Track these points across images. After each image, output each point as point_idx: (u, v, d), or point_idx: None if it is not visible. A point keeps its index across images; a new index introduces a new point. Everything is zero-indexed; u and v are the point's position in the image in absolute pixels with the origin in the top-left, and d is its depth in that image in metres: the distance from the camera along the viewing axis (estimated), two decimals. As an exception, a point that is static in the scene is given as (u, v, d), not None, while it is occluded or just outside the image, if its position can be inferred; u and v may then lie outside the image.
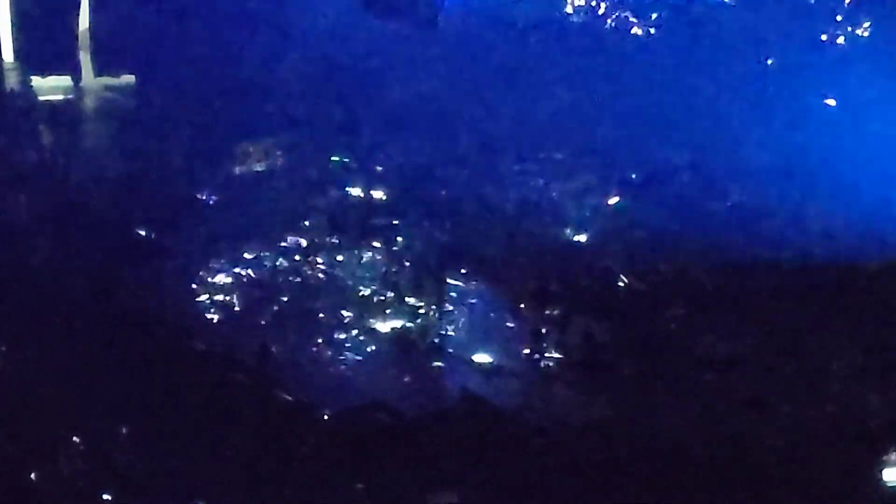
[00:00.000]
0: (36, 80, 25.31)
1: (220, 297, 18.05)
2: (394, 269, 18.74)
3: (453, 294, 18.25)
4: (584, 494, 12.98)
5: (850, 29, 24.25)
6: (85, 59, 26.37)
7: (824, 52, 24.40)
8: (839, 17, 24.34)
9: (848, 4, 24.12)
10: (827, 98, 23.17)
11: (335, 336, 16.91)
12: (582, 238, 19.56)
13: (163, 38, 25.38)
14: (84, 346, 15.52)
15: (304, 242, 19.72)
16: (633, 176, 21.35)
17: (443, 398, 14.99)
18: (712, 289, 17.34)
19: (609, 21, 26.94)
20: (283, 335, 16.80)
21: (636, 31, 26.94)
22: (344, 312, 17.64)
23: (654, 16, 26.28)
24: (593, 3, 27.08)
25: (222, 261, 19.17)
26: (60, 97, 25.38)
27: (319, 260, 19.34)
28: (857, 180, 20.39)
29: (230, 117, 23.78)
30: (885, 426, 13.94)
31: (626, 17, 26.79)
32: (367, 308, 17.82)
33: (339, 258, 19.49)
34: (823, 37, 24.32)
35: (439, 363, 16.29)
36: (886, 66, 22.69)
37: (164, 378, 14.70)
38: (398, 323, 17.20)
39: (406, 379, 15.78)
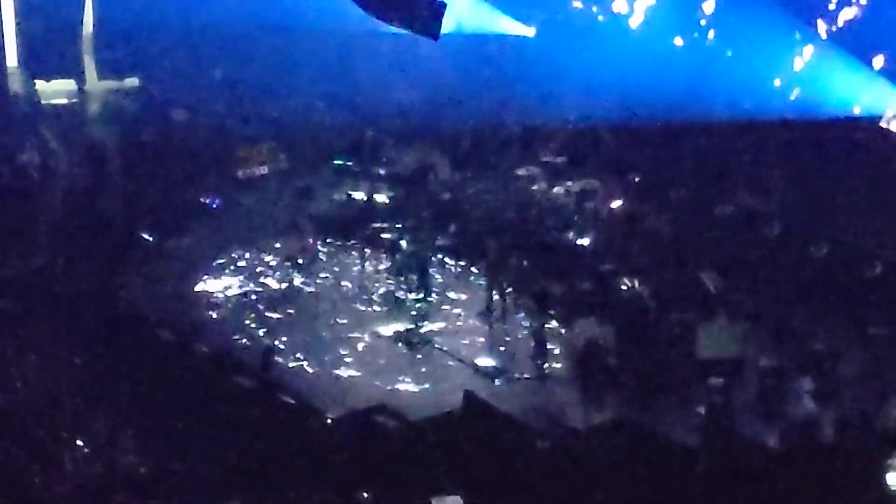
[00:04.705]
0: (40, 84, 25.33)
1: (223, 300, 18.08)
2: (397, 273, 18.76)
3: (456, 298, 18.26)
4: (588, 499, 12.97)
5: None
6: (89, 62, 26.40)
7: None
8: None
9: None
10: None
11: (338, 339, 16.92)
12: (585, 241, 19.55)
13: (166, 42, 25.42)
14: (87, 349, 15.52)
15: (306, 245, 19.73)
16: (637, 179, 21.34)
17: (446, 402, 14.97)
18: (717, 292, 17.33)
19: (611, 21, 26.98)
20: (285, 338, 16.81)
21: (638, 33, 26.96)
22: (347, 315, 17.65)
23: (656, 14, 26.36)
24: (594, 7, 27.12)
25: (225, 264, 19.20)
26: (64, 101, 25.41)
27: (322, 263, 19.37)
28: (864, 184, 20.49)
29: (233, 121, 23.80)
30: (891, 430, 13.94)
31: (628, 17, 26.82)
32: (370, 311, 17.83)
33: (342, 261, 19.51)
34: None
35: (442, 367, 16.28)
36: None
37: (168, 381, 14.69)
38: (401, 326, 17.21)
39: (409, 382, 15.78)
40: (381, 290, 18.45)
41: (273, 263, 19.29)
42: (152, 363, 14.99)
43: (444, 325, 17.41)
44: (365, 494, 12.93)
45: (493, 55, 26.49)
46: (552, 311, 17.20)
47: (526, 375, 16.03)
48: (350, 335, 17.01)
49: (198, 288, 18.38)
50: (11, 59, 26.09)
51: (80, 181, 21.20)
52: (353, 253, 19.65)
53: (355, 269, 19.25)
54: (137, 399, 14.21)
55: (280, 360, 16.11)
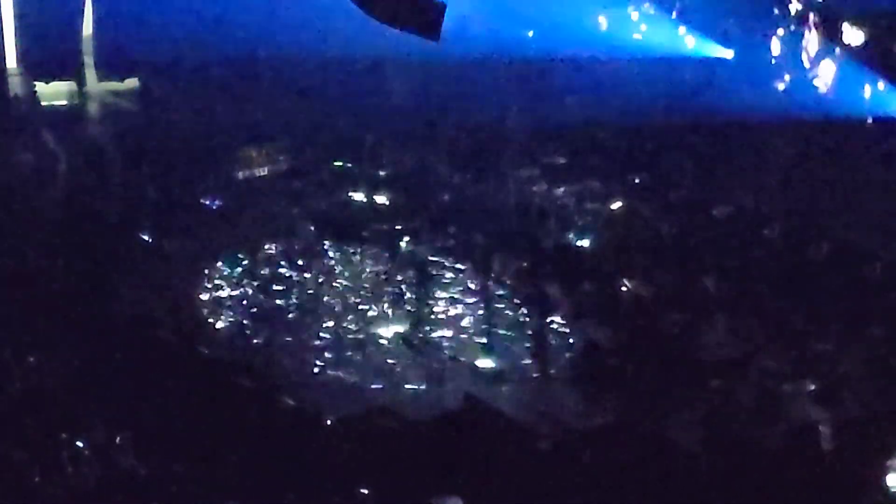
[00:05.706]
0: (39, 86, 25.33)
1: (223, 302, 18.06)
2: (397, 274, 18.75)
3: (456, 299, 18.25)
4: (588, 499, 12.96)
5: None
6: (88, 63, 26.41)
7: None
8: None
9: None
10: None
11: (338, 341, 16.91)
12: (584, 242, 19.56)
13: (166, 43, 25.41)
14: (87, 351, 15.50)
15: (306, 247, 19.73)
16: (637, 180, 21.36)
17: (446, 403, 14.98)
18: (716, 293, 17.35)
19: (612, 24, 27.03)
20: (286, 340, 16.81)
21: (639, 34, 27.01)
22: (347, 317, 17.64)
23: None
24: (595, 7, 27.17)
25: (225, 265, 19.18)
26: (64, 102, 25.41)
27: (322, 264, 19.35)
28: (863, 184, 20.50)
29: (233, 122, 23.81)
30: (891, 431, 13.93)
31: (629, 19, 26.86)
32: (371, 313, 17.82)
33: (342, 263, 19.50)
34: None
35: (442, 368, 16.28)
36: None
37: (168, 383, 14.68)
38: (401, 328, 17.20)
39: (409, 384, 15.78)
40: (381, 291, 18.44)
41: (274, 265, 19.28)
42: (152, 364, 14.97)
43: (445, 325, 17.41)
44: (365, 494, 12.93)
45: (495, 55, 26.52)
46: (552, 312, 17.21)
47: (526, 376, 16.03)
48: (350, 336, 17.01)
49: (197, 289, 18.37)
50: (11, 60, 26.09)
51: (79, 182, 21.21)
52: (354, 254, 19.65)
53: (355, 269, 19.24)
54: (137, 400, 14.20)
55: (280, 361, 16.10)
